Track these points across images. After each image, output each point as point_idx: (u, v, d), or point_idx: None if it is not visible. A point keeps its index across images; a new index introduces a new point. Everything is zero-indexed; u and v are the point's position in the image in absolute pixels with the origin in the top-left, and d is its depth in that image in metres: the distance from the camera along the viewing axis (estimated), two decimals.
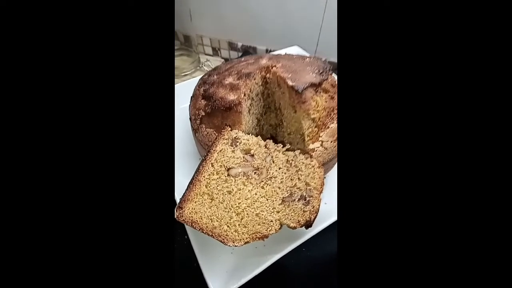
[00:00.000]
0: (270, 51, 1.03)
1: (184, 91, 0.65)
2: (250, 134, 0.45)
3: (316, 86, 0.46)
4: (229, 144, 0.43)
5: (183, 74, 0.99)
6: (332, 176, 0.55)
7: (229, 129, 0.45)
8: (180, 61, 1.00)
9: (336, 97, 0.49)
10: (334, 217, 0.48)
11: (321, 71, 0.49)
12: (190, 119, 0.53)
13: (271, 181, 0.41)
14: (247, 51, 1.07)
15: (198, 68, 1.03)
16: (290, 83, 0.44)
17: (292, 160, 0.43)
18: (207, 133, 0.48)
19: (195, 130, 0.51)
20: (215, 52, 1.14)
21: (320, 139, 0.46)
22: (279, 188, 0.40)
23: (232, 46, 1.08)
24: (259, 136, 0.45)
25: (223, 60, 1.10)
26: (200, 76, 0.61)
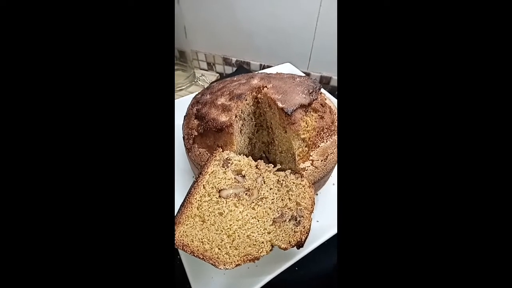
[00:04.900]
0: (264, 66, 1.05)
1: (177, 109, 0.66)
2: (242, 154, 0.46)
3: (305, 106, 0.47)
4: (221, 165, 0.44)
5: (178, 88, 1.00)
6: (324, 194, 0.56)
7: (221, 150, 0.45)
8: (176, 76, 1.01)
9: (325, 116, 0.50)
10: (326, 235, 0.49)
11: (310, 91, 0.50)
12: (184, 138, 0.54)
13: (262, 201, 0.41)
14: (241, 66, 1.09)
15: (193, 82, 1.04)
16: (280, 105, 0.45)
17: (283, 180, 0.43)
18: (200, 153, 0.49)
19: (188, 149, 0.52)
20: (210, 67, 1.16)
21: (310, 158, 0.47)
22: (270, 208, 0.41)
23: (226, 61, 1.10)
24: (250, 157, 0.45)
25: (217, 74, 1.12)
26: (195, 91, 0.62)
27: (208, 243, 0.38)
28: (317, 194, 0.56)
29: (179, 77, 1.02)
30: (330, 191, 0.56)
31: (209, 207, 0.40)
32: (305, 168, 0.46)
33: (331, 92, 0.76)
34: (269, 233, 0.39)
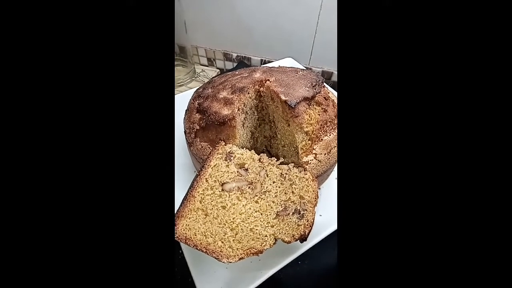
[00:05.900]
0: (265, 61, 1.04)
1: (178, 103, 0.65)
2: (244, 148, 0.46)
3: (309, 99, 0.46)
4: (223, 158, 0.43)
5: (178, 84, 0.99)
6: (327, 187, 0.56)
7: (223, 143, 0.45)
8: (176, 72, 1.01)
9: (329, 109, 0.49)
10: (329, 229, 0.49)
11: (313, 84, 0.50)
12: (185, 132, 0.53)
13: (265, 195, 0.41)
14: (241, 61, 1.08)
15: (194, 78, 1.03)
16: (283, 97, 0.44)
17: (286, 173, 0.43)
18: (202, 147, 0.49)
19: (189, 144, 0.51)
20: (210, 62, 1.15)
21: (313, 151, 0.47)
22: (273, 202, 0.41)
23: (227, 57, 1.10)
24: (252, 150, 0.45)
25: (218, 70, 1.11)
26: (195, 87, 0.62)
27: (211, 237, 0.37)
28: (320, 189, 0.55)
29: (180, 72, 1.01)
30: (333, 185, 0.56)
31: (212, 201, 0.40)
32: (308, 161, 0.46)
33: (333, 87, 0.76)
34: (272, 226, 0.39)
